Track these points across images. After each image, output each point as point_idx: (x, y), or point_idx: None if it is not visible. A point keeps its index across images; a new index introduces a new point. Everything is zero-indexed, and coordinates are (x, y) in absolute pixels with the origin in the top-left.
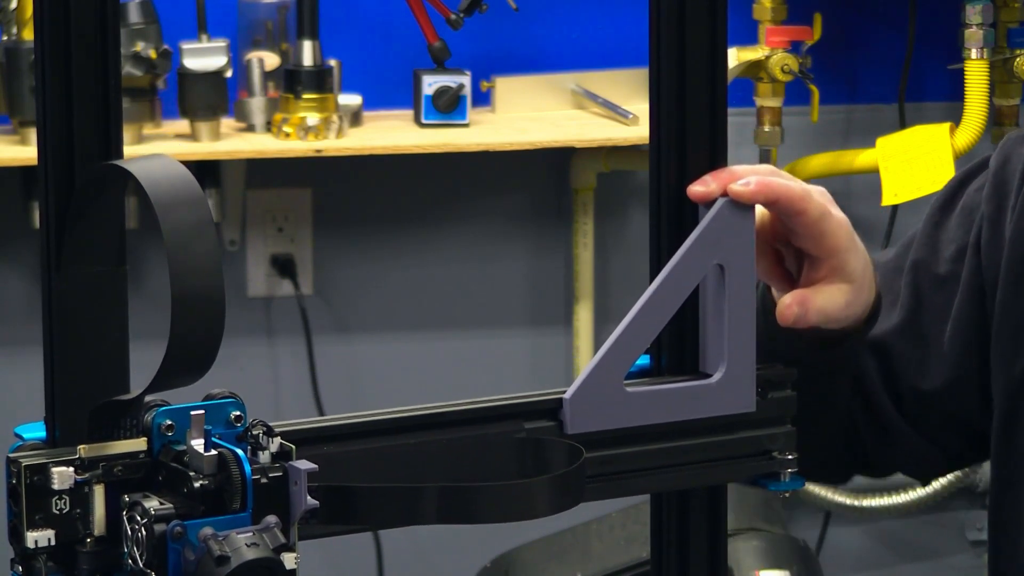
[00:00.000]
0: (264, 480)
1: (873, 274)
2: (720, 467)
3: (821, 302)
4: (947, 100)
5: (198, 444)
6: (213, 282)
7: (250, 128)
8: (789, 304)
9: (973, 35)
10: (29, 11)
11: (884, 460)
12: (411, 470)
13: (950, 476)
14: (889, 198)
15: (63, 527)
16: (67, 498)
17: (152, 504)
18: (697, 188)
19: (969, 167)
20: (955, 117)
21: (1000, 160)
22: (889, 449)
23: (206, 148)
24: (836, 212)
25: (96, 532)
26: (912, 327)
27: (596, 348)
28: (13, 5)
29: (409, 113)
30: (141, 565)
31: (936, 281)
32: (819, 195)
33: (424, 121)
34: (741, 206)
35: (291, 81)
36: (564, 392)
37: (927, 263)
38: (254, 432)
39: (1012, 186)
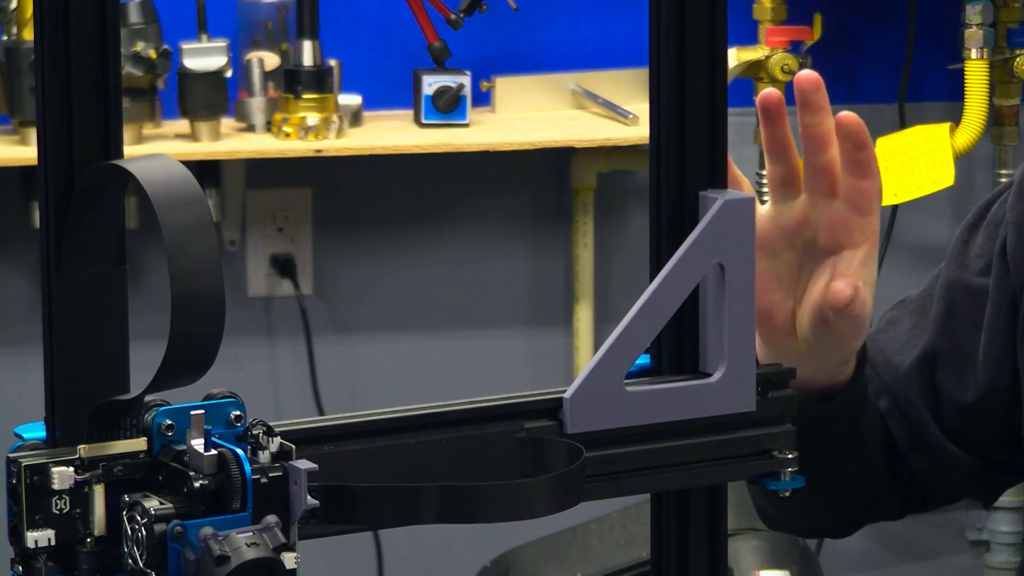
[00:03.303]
0: (264, 480)
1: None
2: (720, 467)
3: (866, 293)
4: (947, 100)
5: (198, 444)
6: (213, 282)
7: (250, 128)
8: (843, 288)
9: (973, 35)
10: (29, 11)
11: (939, 488)
12: (411, 470)
13: None
14: (889, 198)
15: (63, 527)
16: (67, 498)
17: (152, 504)
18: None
19: (994, 191)
20: (955, 117)
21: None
22: (944, 476)
23: (206, 148)
24: None
25: (96, 532)
26: (947, 338)
27: (596, 348)
28: (13, 5)
29: (409, 113)
30: (141, 565)
31: (968, 293)
32: None
33: (424, 121)
34: (742, 206)
35: (291, 81)
36: (564, 392)
37: (958, 279)
38: (254, 432)
39: None
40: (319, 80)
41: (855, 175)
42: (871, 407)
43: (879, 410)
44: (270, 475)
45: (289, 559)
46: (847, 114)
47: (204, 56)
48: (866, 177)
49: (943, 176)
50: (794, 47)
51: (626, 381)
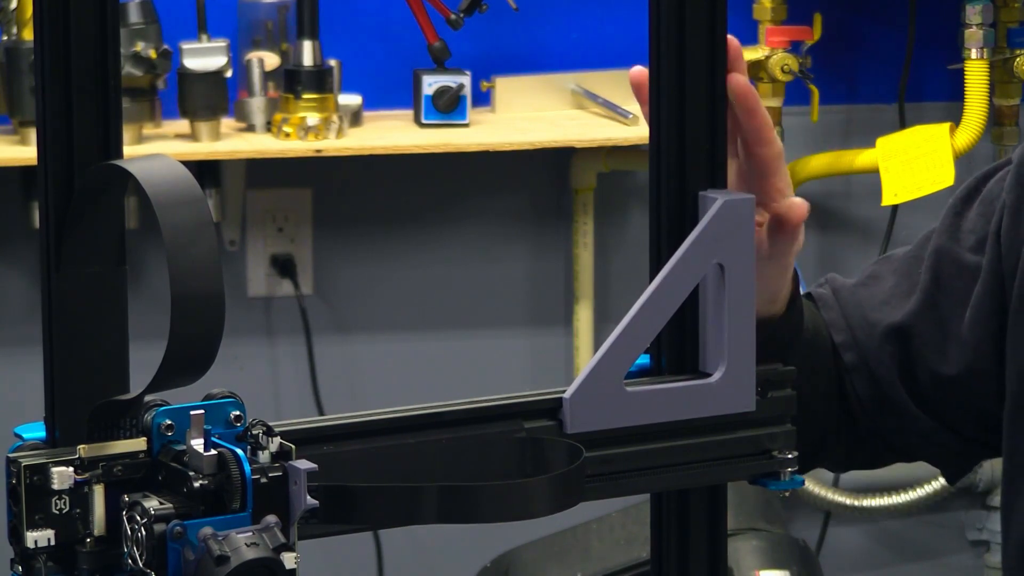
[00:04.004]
0: (264, 480)
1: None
2: (720, 467)
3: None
4: (947, 100)
5: (198, 444)
6: (213, 282)
7: (250, 128)
8: (802, 203)
9: (973, 35)
10: (29, 11)
11: (904, 446)
12: (411, 470)
13: None
14: (889, 198)
15: (63, 527)
16: (67, 498)
17: (152, 504)
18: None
19: (993, 164)
20: (955, 117)
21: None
22: (905, 435)
23: (206, 148)
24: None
25: (96, 532)
26: (932, 310)
27: (596, 348)
28: (13, 5)
29: (409, 113)
30: (141, 565)
31: (957, 267)
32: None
33: (424, 121)
34: (742, 206)
35: (291, 81)
36: (564, 392)
37: (949, 250)
38: (254, 432)
39: None
40: (319, 80)
41: (750, 142)
42: (819, 352)
43: (842, 361)
44: (270, 475)
45: (289, 559)
46: (736, 77)
47: (204, 56)
48: (761, 145)
49: (943, 176)
50: (794, 47)
51: (626, 381)
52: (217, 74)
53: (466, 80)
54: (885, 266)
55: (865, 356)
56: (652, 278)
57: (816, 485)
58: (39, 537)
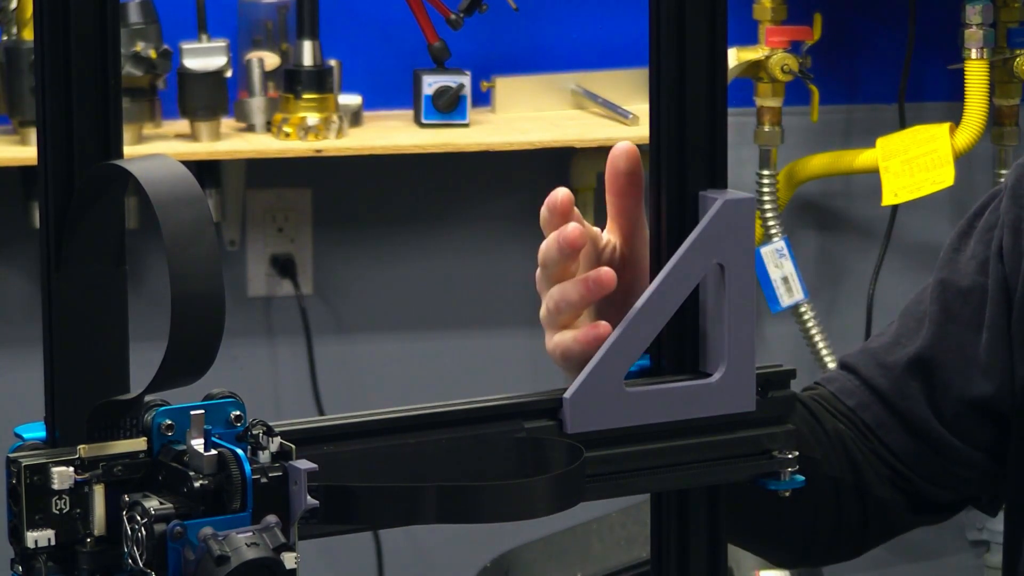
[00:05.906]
0: (264, 480)
1: None
2: (720, 467)
3: None
4: (947, 100)
5: (198, 444)
6: (213, 282)
7: (250, 128)
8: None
9: (973, 35)
10: (29, 11)
11: (949, 479)
12: (411, 470)
13: None
14: (889, 198)
15: (63, 527)
16: (67, 498)
17: (152, 504)
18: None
19: (981, 201)
20: (955, 117)
21: (1016, 176)
22: (950, 465)
23: (206, 148)
24: None
25: (96, 532)
26: (947, 339)
27: None
28: (13, 5)
29: (409, 113)
30: (141, 565)
31: (960, 293)
32: None
33: (424, 121)
34: (742, 206)
35: (291, 81)
36: (564, 392)
37: (951, 281)
38: (254, 432)
39: None
40: (319, 80)
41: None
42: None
43: (862, 432)
44: (270, 475)
45: (289, 559)
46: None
47: (204, 56)
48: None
49: (943, 176)
50: (794, 47)
51: (626, 381)
52: (217, 74)
53: (466, 80)
54: (884, 329)
55: (890, 402)
56: (652, 278)
57: None
58: (39, 537)
